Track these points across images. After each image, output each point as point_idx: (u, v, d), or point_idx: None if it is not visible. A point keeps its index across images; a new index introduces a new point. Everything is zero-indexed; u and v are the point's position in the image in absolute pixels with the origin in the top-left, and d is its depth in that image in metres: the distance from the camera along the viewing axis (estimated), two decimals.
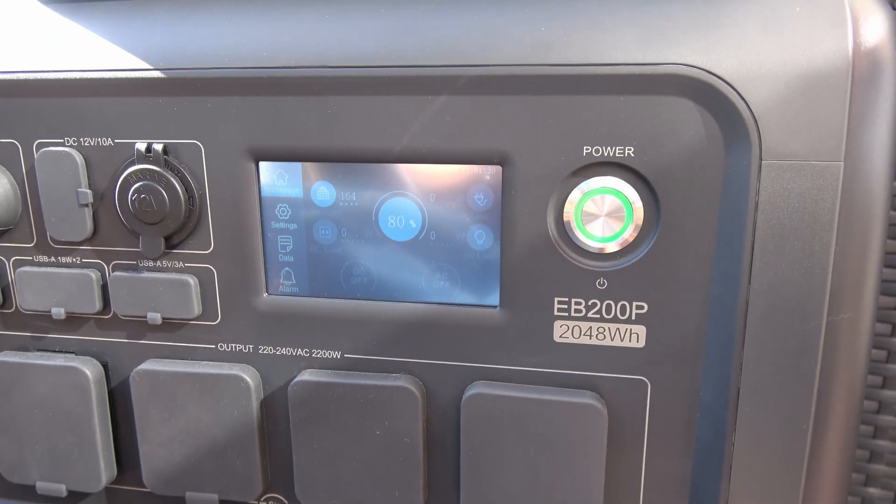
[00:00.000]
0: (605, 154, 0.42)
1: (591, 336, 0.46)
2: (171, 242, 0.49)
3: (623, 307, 0.45)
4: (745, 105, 0.39)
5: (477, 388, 0.47)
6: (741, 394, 0.44)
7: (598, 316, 0.45)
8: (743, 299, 0.42)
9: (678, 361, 0.45)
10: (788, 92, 0.39)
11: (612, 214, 0.44)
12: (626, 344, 0.46)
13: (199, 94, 0.45)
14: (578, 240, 0.45)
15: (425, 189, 0.46)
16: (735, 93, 0.39)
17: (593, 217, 0.44)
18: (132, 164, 0.47)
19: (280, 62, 0.43)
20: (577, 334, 0.46)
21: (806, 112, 0.39)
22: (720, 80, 0.39)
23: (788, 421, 0.44)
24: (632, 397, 0.46)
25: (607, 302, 0.45)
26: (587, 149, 0.42)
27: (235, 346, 0.51)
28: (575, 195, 0.44)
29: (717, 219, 0.42)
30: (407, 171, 0.46)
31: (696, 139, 0.41)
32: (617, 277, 0.45)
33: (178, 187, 0.46)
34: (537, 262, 0.45)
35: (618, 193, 0.44)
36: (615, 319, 0.45)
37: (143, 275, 0.49)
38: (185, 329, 0.51)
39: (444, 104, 0.43)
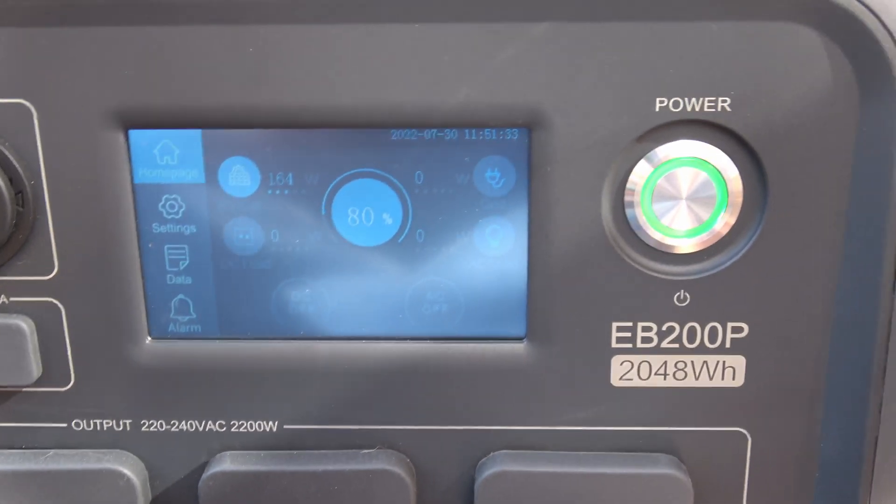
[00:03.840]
0: (689, 109, 0.38)
1: (665, 375, 0.41)
2: None
3: (713, 331, 0.40)
4: (889, 37, 0.36)
5: (497, 464, 0.42)
6: (878, 448, 0.40)
7: (678, 345, 0.40)
8: (884, 316, 0.38)
9: (790, 405, 0.42)
10: None
11: (698, 197, 0.39)
12: (717, 383, 0.41)
13: (25, 24, 0.38)
14: (647, 235, 0.39)
15: (406, 165, 0.40)
16: (875, 19, 0.36)
17: (670, 201, 0.39)
18: None
19: None
20: (645, 374, 0.41)
21: None
22: (857, 2, 0.36)
23: None
24: (726, 458, 0.42)
25: (690, 325, 0.40)
26: (661, 101, 0.37)
27: (103, 424, 0.43)
28: (643, 170, 0.38)
29: (847, 200, 0.38)
30: (376, 137, 0.40)
31: (820, 86, 0.37)
32: (704, 289, 0.40)
33: None
34: (585, 270, 0.40)
35: (706, 166, 0.38)
36: (702, 349, 0.40)
37: None
38: (17, 401, 0.44)
39: (435, 33, 0.37)
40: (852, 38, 0.36)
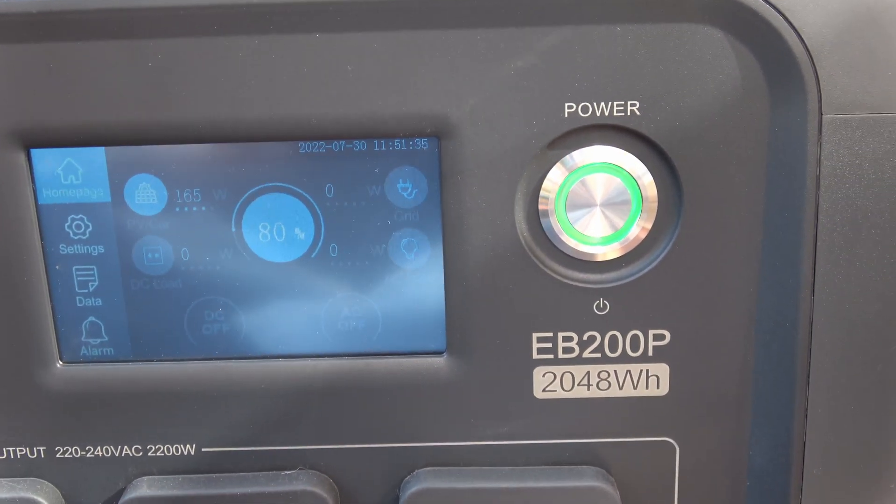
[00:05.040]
0: (598, 113, 0.38)
1: (588, 385, 0.40)
2: None
3: (635, 339, 0.40)
4: (795, 36, 0.36)
5: (422, 482, 0.41)
6: (807, 452, 0.40)
7: (600, 355, 0.40)
8: (805, 318, 0.38)
9: (717, 413, 0.41)
10: (856, 20, 0.36)
11: (613, 203, 0.38)
12: (641, 392, 0.41)
13: None
14: (563, 243, 0.39)
15: (316, 178, 0.39)
16: (782, 18, 0.36)
17: (585, 208, 0.39)
18: None
19: None
20: (568, 385, 0.40)
21: (882, 48, 0.36)
22: (763, 2, 0.36)
23: (871, 485, 0.41)
24: (654, 469, 0.42)
25: (611, 333, 0.40)
26: (570, 107, 0.37)
27: (16, 452, 0.42)
28: (556, 176, 0.38)
29: (763, 202, 0.38)
30: (285, 150, 0.39)
31: (730, 88, 0.37)
32: (624, 296, 0.39)
33: None
34: (502, 280, 0.39)
35: (619, 171, 0.38)
36: (624, 358, 0.40)
37: None
38: None
39: (339, 44, 0.37)
40: (759, 38, 0.37)
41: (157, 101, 0.37)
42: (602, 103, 0.37)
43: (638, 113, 0.37)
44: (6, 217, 0.38)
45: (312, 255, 0.39)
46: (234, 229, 0.39)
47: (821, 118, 0.36)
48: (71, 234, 0.39)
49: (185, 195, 0.39)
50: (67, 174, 0.38)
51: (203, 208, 0.39)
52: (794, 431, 0.39)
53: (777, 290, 0.39)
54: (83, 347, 0.41)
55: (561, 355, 0.40)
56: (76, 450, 0.42)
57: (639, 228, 0.38)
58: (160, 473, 0.42)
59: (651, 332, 0.39)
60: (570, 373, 0.40)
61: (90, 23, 0.36)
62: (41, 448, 0.42)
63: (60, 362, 0.41)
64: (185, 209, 0.39)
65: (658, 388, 0.40)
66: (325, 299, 0.40)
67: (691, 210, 0.39)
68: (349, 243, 0.39)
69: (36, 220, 0.39)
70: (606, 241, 0.39)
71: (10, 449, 0.42)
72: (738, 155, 0.38)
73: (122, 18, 0.36)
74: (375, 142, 0.38)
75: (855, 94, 0.36)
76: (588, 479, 0.40)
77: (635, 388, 0.40)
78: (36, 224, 0.39)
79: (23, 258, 0.39)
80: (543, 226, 0.38)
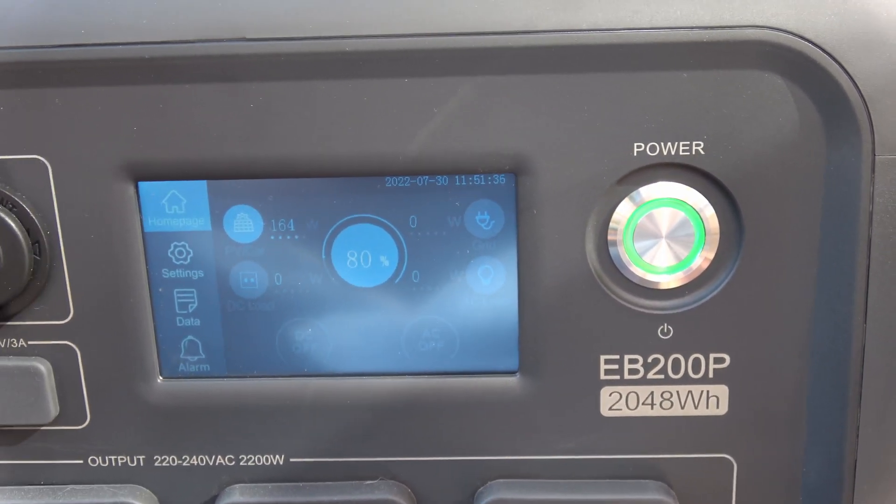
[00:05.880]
0: (664, 153, 0.38)
1: (652, 405, 0.40)
2: (6, 312, 0.41)
3: (696, 362, 0.40)
4: (850, 82, 0.36)
5: (495, 493, 0.41)
6: (858, 470, 0.39)
7: (663, 376, 0.40)
8: (857, 343, 0.38)
9: (773, 431, 0.41)
10: None
11: (677, 235, 0.39)
12: (701, 412, 0.40)
13: (42, 85, 0.38)
14: (630, 272, 0.39)
15: (402, 210, 0.40)
16: (837, 65, 0.36)
17: (651, 239, 0.39)
18: None
19: (170, 33, 0.37)
20: (633, 404, 0.40)
21: None
22: (817, 49, 0.36)
23: None
24: (713, 484, 0.42)
25: (674, 356, 0.40)
26: (639, 146, 0.37)
27: (117, 460, 0.43)
28: (624, 210, 0.38)
29: (818, 237, 0.38)
30: (372, 184, 0.39)
31: (788, 129, 0.37)
32: (686, 322, 0.39)
33: (15, 228, 0.38)
34: (572, 306, 0.39)
35: (684, 206, 0.38)
36: (686, 380, 0.40)
37: None
38: (36, 439, 0.43)
39: (424, 88, 0.37)
40: (816, 83, 0.36)
41: (256, 138, 0.37)
42: (669, 143, 0.37)
43: (702, 152, 0.37)
44: (116, 243, 0.39)
45: (396, 281, 0.40)
46: (324, 256, 0.39)
47: (874, 158, 0.36)
48: (173, 260, 0.40)
49: (279, 224, 0.39)
50: (171, 205, 0.39)
51: (296, 237, 0.39)
52: (847, 450, 0.39)
53: (831, 317, 0.38)
54: (182, 364, 0.41)
55: (626, 376, 0.40)
56: (173, 458, 0.42)
57: (701, 259, 0.38)
58: (251, 481, 0.42)
59: (712, 356, 0.39)
60: (635, 392, 0.40)
61: (197, 67, 0.37)
62: (141, 457, 0.42)
63: (161, 378, 0.41)
64: (280, 238, 0.39)
65: (717, 407, 0.40)
66: (407, 321, 0.40)
67: (751, 242, 0.38)
68: (430, 270, 0.40)
69: (142, 246, 0.39)
70: (671, 270, 0.38)
71: (113, 457, 0.42)
72: (796, 191, 0.37)
73: (225, 64, 0.37)
74: (456, 177, 0.38)
75: None
76: (651, 493, 0.40)
77: (696, 407, 0.40)
78: (142, 250, 0.39)
79: (129, 282, 0.39)
80: (612, 255, 0.38)
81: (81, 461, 0.42)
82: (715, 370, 0.40)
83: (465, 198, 0.39)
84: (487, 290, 0.40)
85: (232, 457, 0.42)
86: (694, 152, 0.37)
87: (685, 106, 0.37)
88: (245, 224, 0.39)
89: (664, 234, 0.38)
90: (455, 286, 0.40)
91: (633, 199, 0.38)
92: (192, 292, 0.40)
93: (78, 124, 0.38)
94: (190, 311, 0.40)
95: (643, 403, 0.40)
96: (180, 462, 0.42)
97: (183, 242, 0.40)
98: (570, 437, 0.41)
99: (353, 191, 0.39)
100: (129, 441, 0.42)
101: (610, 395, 0.40)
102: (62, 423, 0.42)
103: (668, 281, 0.39)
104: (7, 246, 0.37)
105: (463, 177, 0.38)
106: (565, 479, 0.42)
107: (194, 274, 0.40)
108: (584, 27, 0.36)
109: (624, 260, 0.39)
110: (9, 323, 0.40)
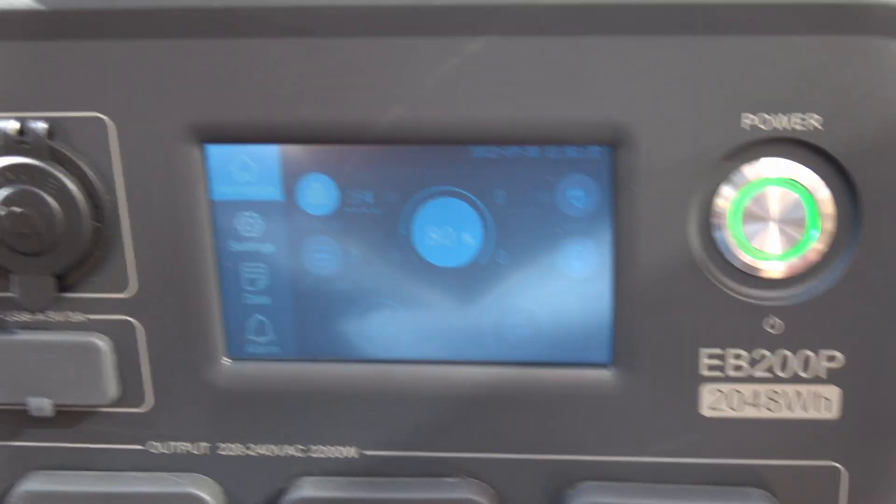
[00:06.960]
0: (777, 127, 0.37)
1: (758, 405, 0.39)
2: (65, 283, 0.41)
3: (806, 360, 0.38)
4: None
5: (585, 496, 0.40)
6: None
7: (769, 374, 0.39)
8: None
9: (888, 440, 0.40)
10: None
11: (789, 218, 0.37)
12: (810, 415, 0.39)
13: (102, 37, 0.37)
14: (736, 258, 0.38)
15: (488, 184, 0.39)
16: None
17: (759, 223, 0.38)
18: None
19: None
20: (736, 403, 0.39)
21: None
22: None
23: None
24: (820, 494, 0.41)
25: (782, 353, 0.38)
26: (749, 119, 0.37)
27: (180, 446, 0.43)
28: (729, 190, 0.38)
29: None
30: (457, 155, 0.39)
31: None
32: (796, 315, 0.38)
33: (75, 192, 0.38)
34: (673, 294, 0.38)
35: (796, 186, 0.37)
36: (795, 379, 0.39)
37: (18, 336, 0.41)
38: (94, 421, 0.43)
39: (515, 50, 0.36)
40: None
41: (333, 100, 0.37)
42: (782, 115, 0.36)
43: (819, 127, 0.36)
44: (181, 211, 0.39)
45: (481, 262, 0.39)
46: (403, 233, 0.39)
47: None
48: (242, 232, 0.39)
49: (356, 195, 0.39)
50: (241, 171, 0.39)
51: (373, 210, 0.39)
52: None
53: None
54: (249, 345, 0.41)
55: (730, 373, 0.39)
56: (239, 447, 0.42)
57: (815, 245, 0.37)
58: (322, 474, 0.42)
59: (824, 354, 0.38)
60: (738, 391, 0.39)
61: (271, 20, 0.36)
62: (204, 444, 0.42)
63: (227, 359, 0.41)
64: (357, 210, 0.39)
65: (829, 411, 0.39)
66: (491, 306, 0.40)
67: (871, 229, 0.37)
68: (518, 251, 0.39)
69: (209, 215, 0.39)
70: (781, 257, 0.38)
71: (175, 443, 0.42)
72: None
73: (302, 16, 0.36)
74: (548, 148, 0.37)
75: None
76: (753, 502, 0.40)
77: (805, 410, 0.39)
78: (209, 220, 0.39)
79: (194, 254, 0.39)
80: (716, 239, 0.37)
81: (142, 447, 0.43)
82: (827, 369, 0.39)
83: (557, 171, 0.38)
84: (579, 274, 0.40)
85: (302, 447, 0.42)
86: (810, 126, 0.36)
87: (799, 75, 0.36)
88: (319, 195, 0.39)
89: (774, 216, 0.37)
90: (544, 269, 0.40)
91: (739, 177, 0.37)
92: (262, 267, 0.40)
93: (142, 80, 0.37)
94: (259, 287, 0.40)
95: (747, 403, 0.39)
96: (246, 451, 0.42)
97: (252, 213, 0.39)
98: (667, 437, 0.41)
99: (437, 161, 0.38)
100: (191, 426, 0.42)
101: (711, 393, 0.39)
102: (122, 404, 0.42)
103: (777, 269, 0.38)
104: (66, 210, 0.37)
105: (555, 148, 0.37)
106: (659, 482, 0.41)
107: (264, 247, 0.40)
108: None
109: (729, 244, 0.38)
110: (69, 295, 0.40)
